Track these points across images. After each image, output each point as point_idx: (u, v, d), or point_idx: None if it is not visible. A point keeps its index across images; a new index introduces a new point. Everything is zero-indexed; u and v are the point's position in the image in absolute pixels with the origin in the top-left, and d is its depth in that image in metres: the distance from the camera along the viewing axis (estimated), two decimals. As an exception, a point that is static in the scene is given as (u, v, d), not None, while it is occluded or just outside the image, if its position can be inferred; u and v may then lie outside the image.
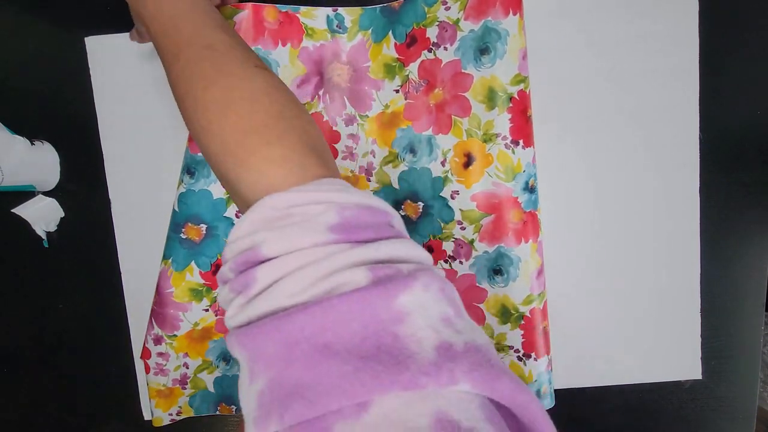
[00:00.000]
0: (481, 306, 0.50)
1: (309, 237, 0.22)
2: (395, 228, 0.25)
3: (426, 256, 0.25)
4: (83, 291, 0.55)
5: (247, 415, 0.21)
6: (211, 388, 0.54)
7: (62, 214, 0.54)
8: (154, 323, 0.52)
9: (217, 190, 0.50)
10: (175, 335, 0.52)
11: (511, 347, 0.50)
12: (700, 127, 0.51)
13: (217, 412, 0.55)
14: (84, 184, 0.54)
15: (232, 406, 0.54)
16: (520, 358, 0.50)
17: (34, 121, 0.53)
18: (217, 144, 0.26)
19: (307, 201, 0.23)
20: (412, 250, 0.24)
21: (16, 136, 0.50)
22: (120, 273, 0.55)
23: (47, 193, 0.54)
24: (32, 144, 0.51)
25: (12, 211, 0.53)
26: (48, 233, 0.54)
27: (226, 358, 0.53)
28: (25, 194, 0.53)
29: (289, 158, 0.25)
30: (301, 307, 0.21)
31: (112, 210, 0.54)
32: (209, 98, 0.27)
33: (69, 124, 0.53)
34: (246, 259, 0.23)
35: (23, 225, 0.54)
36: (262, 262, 0.22)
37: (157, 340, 0.52)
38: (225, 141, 0.26)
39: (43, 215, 0.54)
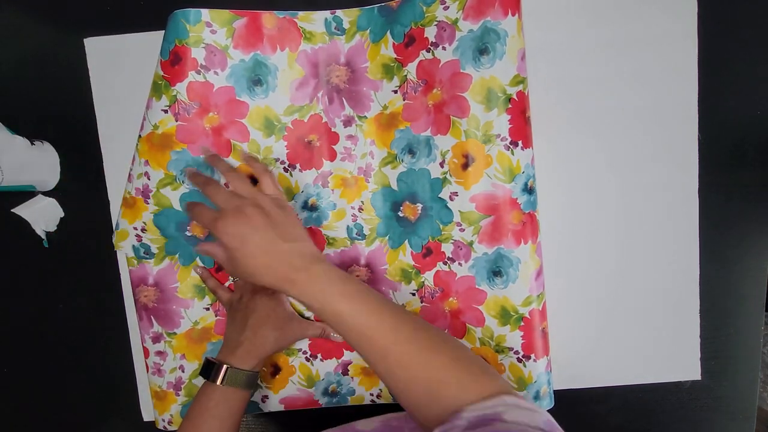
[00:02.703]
0: (481, 308, 0.50)
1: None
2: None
3: None
4: (83, 291, 0.55)
5: None
6: None
7: (62, 214, 0.54)
8: (153, 321, 0.52)
9: None
10: (175, 333, 0.52)
11: (510, 349, 0.50)
12: (699, 128, 0.51)
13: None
14: (84, 184, 0.54)
15: None
16: (519, 360, 0.50)
17: (34, 121, 0.53)
18: (425, 385, 0.37)
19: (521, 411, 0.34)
20: None
21: (16, 136, 0.50)
22: (120, 273, 0.55)
23: (47, 193, 0.54)
24: (32, 144, 0.52)
25: (12, 211, 0.53)
26: (48, 233, 0.55)
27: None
28: (25, 194, 0.54)
29: (476, 378, 0.36)
30: None
31: (111, 210, 0.54)
32: (419, 370, 0.37)
33: (69, 124, 0.54)
34: (485, 418, 0.32)
35: (23, 225, 0.54)
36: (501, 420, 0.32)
37: (156, 338, 0.52)
38: (432, 379, 0.37)
39: (43, 215, 0.54)
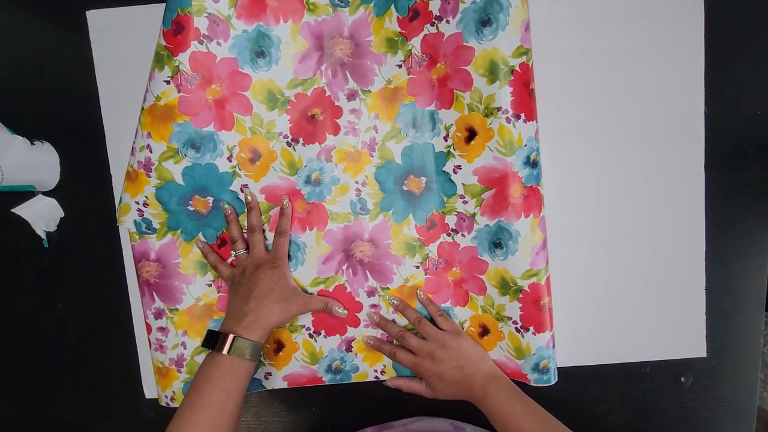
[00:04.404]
0: (482, 277, 0.51)
1: None
2: None
3: None
4: (83, 291, 0.55)
5: None
6: None
7: (62, 214, 0.54)
8: (155, 296, 0.52)
9: (223, 164, 0.50)
10: (177, 309, 0.52)
11: (509, 318, 0.50)
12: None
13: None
14: (84, 184, 0.54)
15: None
16: (518, 330, 0.50)
17: (34, 121, 0.53)
18: None
19: None
20: None
21: (16, 136, 0.50)
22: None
23: (47, 193, 0.54)
24: (32, 144, 0.52)
25: (12, 211, 0.53)
26: (48, 233, 0.55)
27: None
28: (25, 194, 0.54)
29: None
30: None
31: (114, 186, 0.54)
32: None
33: (69, 124, 0.54)
34: None
35: (23, 225, 0.54)
36: None
37: (158, 314, 0.52)
38: None
39: (43, 215, 0.54)
